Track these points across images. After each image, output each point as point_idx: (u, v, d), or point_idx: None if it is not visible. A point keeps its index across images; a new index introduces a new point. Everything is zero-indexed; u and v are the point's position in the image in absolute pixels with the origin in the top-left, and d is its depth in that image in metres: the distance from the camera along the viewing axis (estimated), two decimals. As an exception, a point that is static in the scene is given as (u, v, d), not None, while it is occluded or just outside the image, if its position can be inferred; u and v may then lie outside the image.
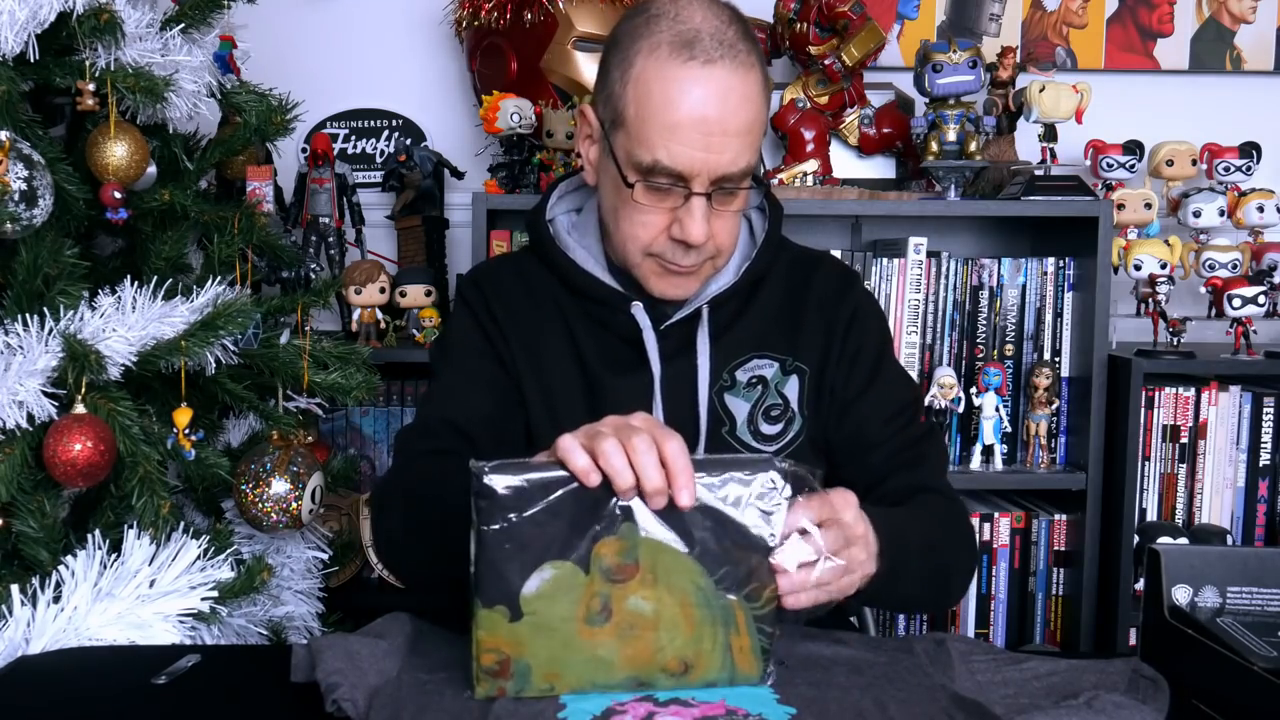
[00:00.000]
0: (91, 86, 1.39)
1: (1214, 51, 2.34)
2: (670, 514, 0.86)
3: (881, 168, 2.25)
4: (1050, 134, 2.03)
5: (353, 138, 2.33)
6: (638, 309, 1.20)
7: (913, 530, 1.07)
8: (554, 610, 0.85)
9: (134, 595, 1.29)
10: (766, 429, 1.22)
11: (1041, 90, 1.99)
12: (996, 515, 2.05)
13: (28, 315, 1.32)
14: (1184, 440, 2.03)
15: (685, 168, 1.09)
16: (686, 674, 0.88)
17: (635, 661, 0.87)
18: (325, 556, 1.71)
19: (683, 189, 1.11)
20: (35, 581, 1.28)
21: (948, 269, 2.03)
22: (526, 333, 1.23)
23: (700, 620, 0.87)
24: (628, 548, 0.85)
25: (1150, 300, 2.03)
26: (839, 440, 1.24)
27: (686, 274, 1.17)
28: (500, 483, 0.83)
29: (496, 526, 0.83)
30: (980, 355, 2.05)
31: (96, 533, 1.35)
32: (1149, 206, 2.09)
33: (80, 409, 1.32)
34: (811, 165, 2.09)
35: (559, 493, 0.84)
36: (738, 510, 0.86)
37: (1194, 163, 2.15)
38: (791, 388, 1.23)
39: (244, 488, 1.49)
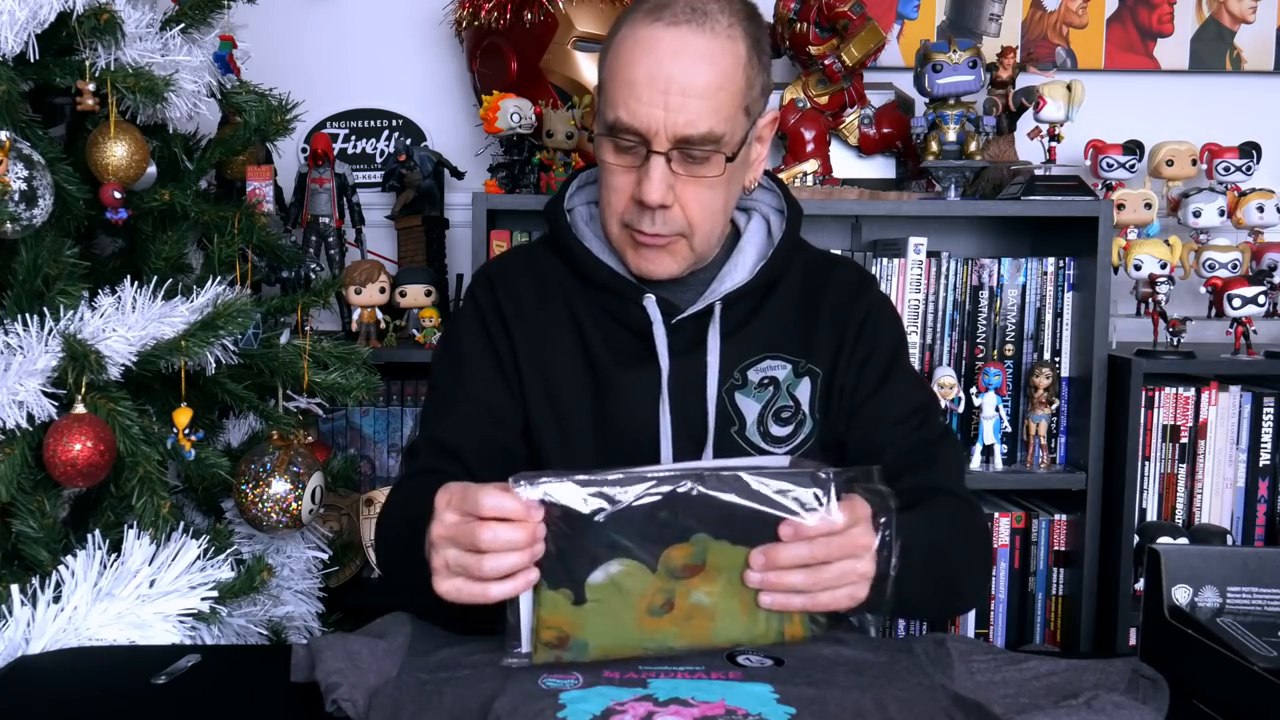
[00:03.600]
0: (91, 86, 1.39)
1: (1214, 51, 2.34)
2: (736, 520, 0.89)
3: (881, 168, 2.25)
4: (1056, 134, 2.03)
5: (353, 138, 2.33)
6: (650, 301, 1.20)
7: (918, 532, 1.04)
8: (617, 600, 0.88)
9: (134, 595, 1.29)
10: (776, 430, 1.21)
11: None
12: (996, 515, 2.05)
13: (28, 315, 1.32)
14: (1184, 440, 2.03)
15: (644, 125, 1.11)
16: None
17: (690, 643, 0.91)
18: (325, 556, 1.71)
19: (644, 148, 1.12)
20: (35, 581, 1.28)
21: (948, 269, 2.03)
22: (533, 326, 1.23)
23: (756, 606, 0.91)
24: (697, 552, 0.89)
25: (1150, 300, 2.03)
26: (851, 442, 1.23)
27: (656, 246, 1.16)
28: (574, 494, 0.86)
29: (568, 531, 0.86)
30: (980, 355, 2.05)
31: (96, 533, 1.35)
32: (1149, 206, 2.09)
33: (80, 409, 1.32)
34: (811, 165, 2.09)
35: (630, 504, 0.87)
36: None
37: (1194, 163, 2.15)
38: (803, 390, 1.22)
39: (244, 488, 1.49)
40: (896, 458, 1.20)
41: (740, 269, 1.22)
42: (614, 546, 0.87)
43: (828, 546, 0.90)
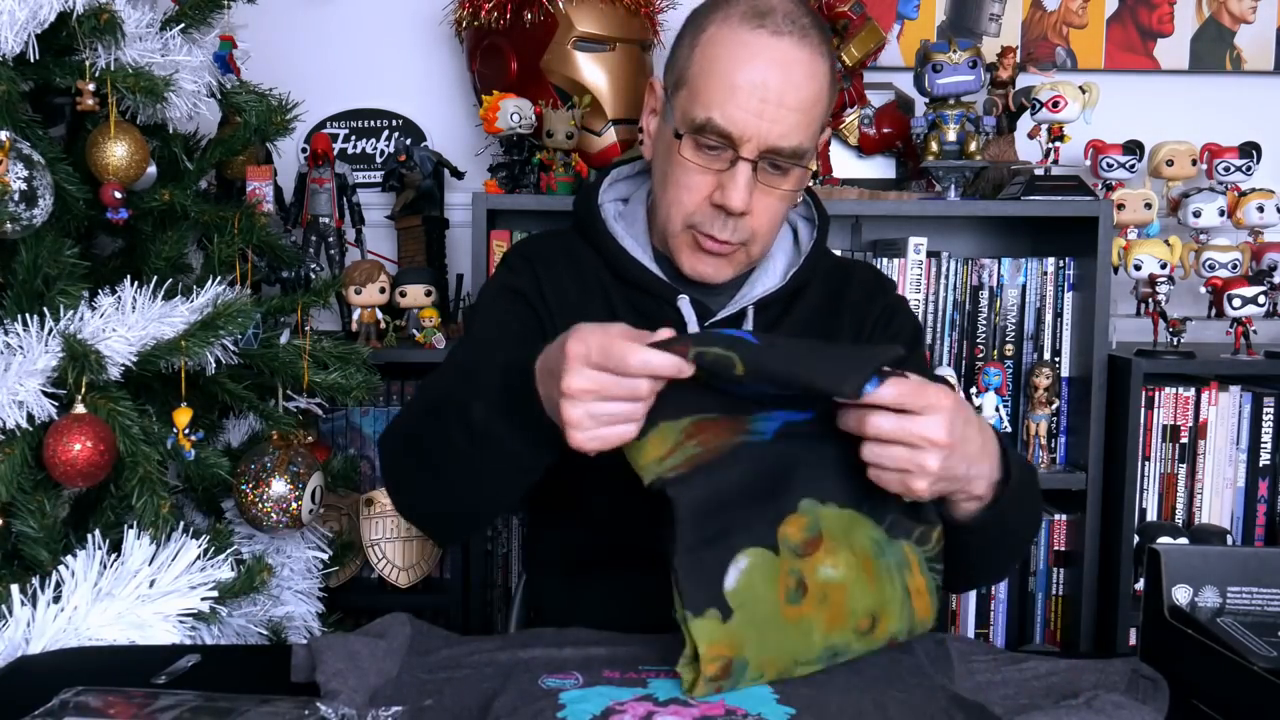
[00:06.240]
0: (91, 86, 1.39)
1: (1214, 51, 2.34)
2: (844, 471, 0.91)
3: (881, 168, 2.25)
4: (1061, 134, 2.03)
5: (353, 138, 2.33)
6: (684, 302, 1.21)
7: (1020, 464, 1.06)
8: (757, 597, 0.88)
9: (134, 595, 1.29)
10: None
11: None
12: (996, 515, 2.05)
13: (28, 315, 1.32)
14: (1184, 440, 2.03)
15: (737, 130, 1.10)
16: (873, 630, 0.93)
17: (831, 627, 0.91)
18: (325, 556, 1.71)
19: (731, 152, 1.12)
20: (35, 581, 1.28)
21: (948, 269, 2.03)
22: (574, 315, 1.22)
23: (879, 570, 0.93)
24: (810, 522, 0.90)
25: (1150, 300, 2.03)
26: None
27: (719, 254, 1.17)
28: (682, 493, 0.88)
29: (689, 530, 0.87)
30: (980, 355, 2.05)
31: (96, 533, 1.35)
32: (1149, 206, 2.09)
33: (80, 409, 1.32)
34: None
35: (722, 476, 0.89)
36: None
37: (1194, 163, 2.15)
38: None
39: (244, 488, 1.49)
40: None
41: (772, 274, 1.25)
42: (733, 526, 0.88)
43: (886, 424, 0.87)
